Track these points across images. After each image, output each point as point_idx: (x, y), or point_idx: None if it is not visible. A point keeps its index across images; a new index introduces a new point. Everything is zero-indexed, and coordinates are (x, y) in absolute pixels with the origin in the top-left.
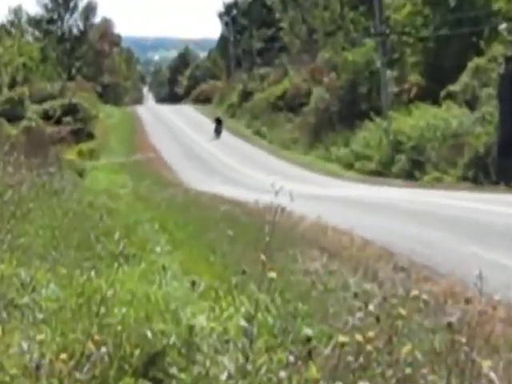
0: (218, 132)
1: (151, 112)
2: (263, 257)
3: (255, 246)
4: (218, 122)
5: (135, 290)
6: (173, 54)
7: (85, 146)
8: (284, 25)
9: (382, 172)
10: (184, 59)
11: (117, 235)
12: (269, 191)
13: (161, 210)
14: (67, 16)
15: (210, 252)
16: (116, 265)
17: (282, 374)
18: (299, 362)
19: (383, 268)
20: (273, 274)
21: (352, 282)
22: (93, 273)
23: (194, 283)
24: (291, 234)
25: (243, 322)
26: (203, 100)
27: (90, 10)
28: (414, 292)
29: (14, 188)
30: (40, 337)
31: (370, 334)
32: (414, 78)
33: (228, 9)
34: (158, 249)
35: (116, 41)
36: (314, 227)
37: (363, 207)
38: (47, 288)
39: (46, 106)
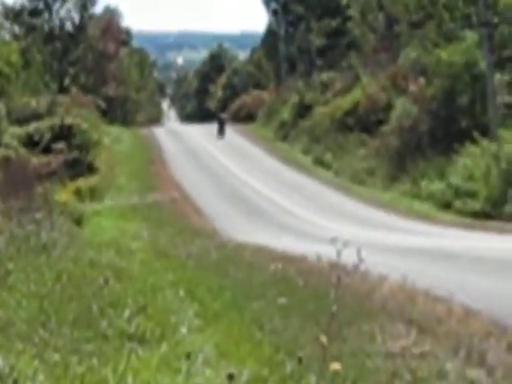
0: (221, 133)
1: (174, 135)
2: (324, 339)
3: (317, 319)
4: (221, 121)
5: (154, 383)
6: (202, 54)
7: (84, 183)
8: (354, 13)
9: (492, 213)
10: (217, 62)
11: (128, 307)
12: (331, 242)
13: (188, 270)
14: (57, 6)
15: (256, 328)
16: (127, 348)
17: None
18: None
19: (493, 349)
20: (336, 366)
21: (451, 367)
22: (96, 359)
23: (231, 376)
24: (366, 303)
25: None
26: (244, 117)
27: None
28: None
29: None
30: None
31: None
32: None
33: None
34: (185, 325)
35: (124, 38)
36: (397, 292)
37: (466, 264)
38: (34, 381)
39: (30, 128)
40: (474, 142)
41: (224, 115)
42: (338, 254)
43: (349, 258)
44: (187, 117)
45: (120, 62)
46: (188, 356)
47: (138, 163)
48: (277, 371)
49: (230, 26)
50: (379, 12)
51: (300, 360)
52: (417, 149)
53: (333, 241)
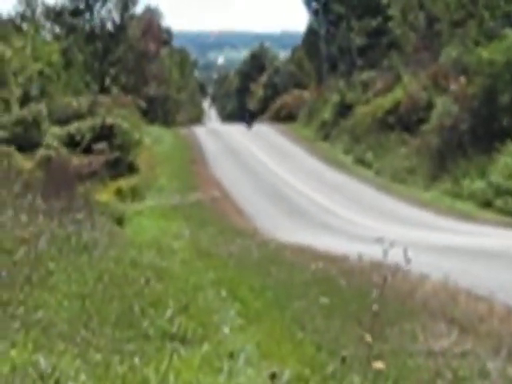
0: (249, 125)
1: (214, 135)
2: (369, 337)
3: (359, 318)
4: (251, 114)
5: (196, 383)
6: (242, 54)
7: (125, 183)
8: (394, 12)
9: None
10: (258, 61)
11: (170, 306)
12: (377, 241)
13: (229, 269)
14: (98, 5)
15: (298, 328)
16: (169, 348)
17: None
18: None
19: None
20: (379, 365)
21: (492, 366)
22: (137, 359)
23: (274, 375)
24: (408, 302)
25: None
26: (285, 117)
27: None
28: None
29: (28, 243)
30: None
31: None
32: None
33: None
34: (227, 324)
35: (165, 38)
36: (439, 292)
37: (507, 263)
38: (76, 380)
39: (71, 128)
40: None
41: (253, 110)
42: (385, 253)
43: (391, 257)
44: (228, 116)
45: (161, 61)
46: (231, 355)
47: (179, 163)
48: (319, 371)
49: (270, 26)
50: (420, 11)
51: (344, 359)
52: (458, 148)
53: (378, 241)
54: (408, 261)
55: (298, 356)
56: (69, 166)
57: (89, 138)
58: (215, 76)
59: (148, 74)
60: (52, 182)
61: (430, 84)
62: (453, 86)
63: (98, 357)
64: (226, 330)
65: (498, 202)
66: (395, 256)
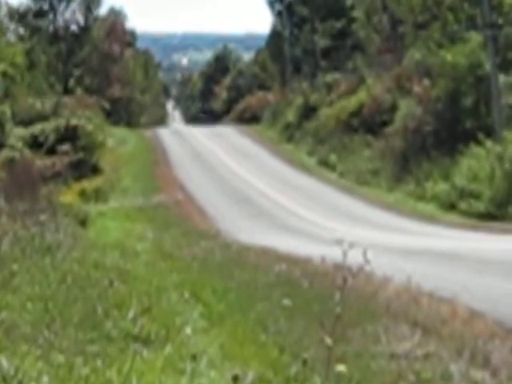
0: (204, 120)
1: (178, 137)
2: (329, 340)
3: (321, 320)
4: (205, 113)
5: None
6: (206, 56)
7: (88, 185)
8: (358, 14)
9: (496, 214)
10: (222, 63)
11: (133, 308)
12: (340, 243)
13: (192, 271)
14: (62, 7)
15: (260, 330)
16: (132, 349)
17: None
18: None
19: (497, 350)
20: (341, 367)
21: (455, 369)
22: (100, 361)
23: (236, 377)
24: (371, 304)
25: None
26: (249, 119)
27: None
28: None
29: None
30: None
31: None
32: None
33: None
34: (190, 326)
35: (129, 40)
36: (402, 294)
37: (470, 265)
38: (38, 382)
39: (35, 129)
40: (478, 143)
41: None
42: (344, 255)
43: (354, 259)
44: (192, 118)
45: (125, 63)
46: (193, 357)
47: (143, 164)
48: (281, 373)
49: (234, 28)
50: (384, 13)
51: (305, 362)
52: (421, 150)
53: (338, 242)
54: (367, 262)
55: (261, 358)
56: (32, 167)
57: (52, 139)
58: (179, 78)
59: (112, 76)
60: (15, 184)
61: (394, 86)
62: (416, 89)
63: (61, 358)
64: (189, 331)
65: (462, 205)
66: (358, 258)
